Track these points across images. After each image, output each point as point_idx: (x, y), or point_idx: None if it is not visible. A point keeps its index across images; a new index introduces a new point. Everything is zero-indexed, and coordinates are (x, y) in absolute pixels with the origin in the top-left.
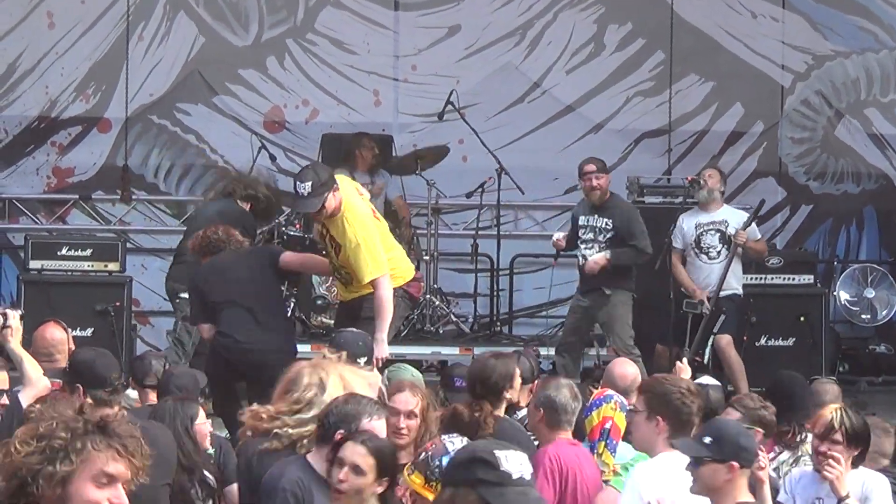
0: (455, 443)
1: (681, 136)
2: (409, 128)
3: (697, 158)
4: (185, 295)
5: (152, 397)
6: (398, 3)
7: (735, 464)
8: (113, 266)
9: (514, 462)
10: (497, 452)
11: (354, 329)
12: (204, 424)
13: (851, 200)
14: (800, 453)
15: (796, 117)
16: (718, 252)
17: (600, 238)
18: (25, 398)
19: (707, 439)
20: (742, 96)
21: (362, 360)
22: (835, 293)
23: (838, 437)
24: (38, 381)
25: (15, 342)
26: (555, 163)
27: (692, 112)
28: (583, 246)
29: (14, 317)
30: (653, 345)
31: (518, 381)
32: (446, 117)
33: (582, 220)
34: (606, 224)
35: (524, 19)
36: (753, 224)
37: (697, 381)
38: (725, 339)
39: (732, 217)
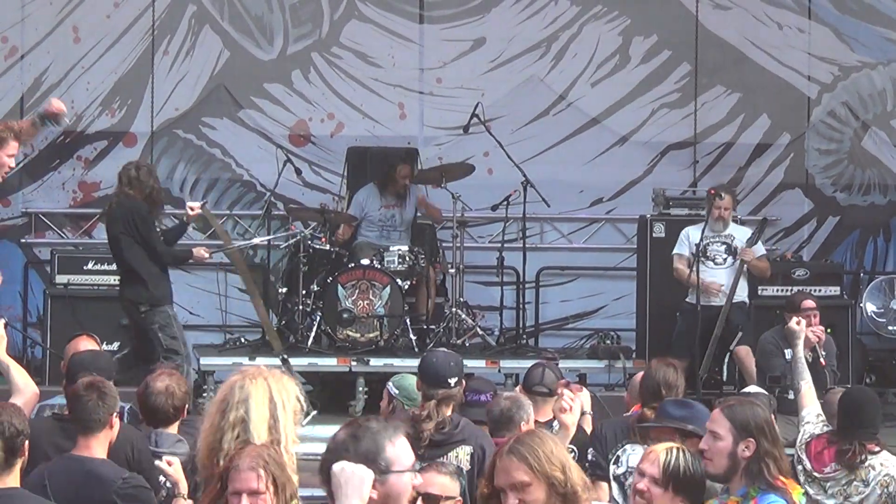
0: None
1: (706, 147)
2: (435, 141)
3: (723, 170)
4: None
5: None
6: (423, 16)
7: None
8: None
9: None
10: None
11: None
12: None
13: (878, 212)
14: (854, 477)
15: (823, 128)
16: (724, 259)
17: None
18: None
19: None
20: (768, 108)
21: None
22: (861, 305)
23: (658, 476)
24: (25, 389)
25: (1, 351)
26: (580, 175)
27: (718, 124)
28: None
29: None
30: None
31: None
32: (471, 130)
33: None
34: None
35: (549, 32)
36: (759, 242)
37: (745, 390)
38: (744, 350)
39: (738, 232)
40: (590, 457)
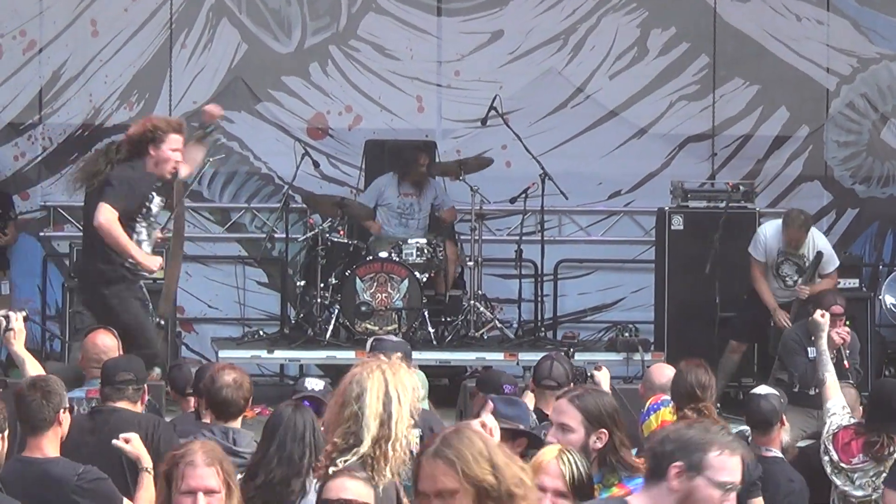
0: None
1: (725, 140)
2: (453, 133)
3: (742, 163)
4: None
5: (192, 404)
6: (441, 9)
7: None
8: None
9: None
10: None
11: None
12: None
13: None
14: (882, 468)
15: (841, 120)
16: (795, 282)
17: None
18: None
19: None
20: (787, 100)
21: None
22: (881, 297)
23: (564, 489)
24: None
25: (18, 344)
26: (598, 168)
27: (736, 116)
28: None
29: (17, 319)
30: (702, 347)
31: None
32: (489, 123)
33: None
34: None
35: (567, 24)
36: (832, 254)
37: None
38: None
39: (813, 244)
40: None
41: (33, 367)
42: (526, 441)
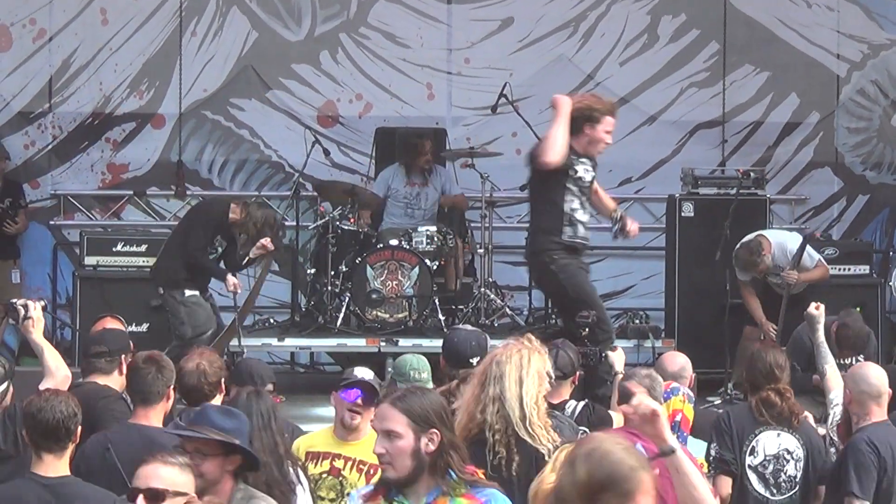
0: None
1: (735, 126)
2: (463, 121)
3: (752, 149)
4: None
5: None
6: None
7: None
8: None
9: None
10: None
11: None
12: None
13: None
14: None
15: (852, 107)
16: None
17: None
18: (47, 386)
19: None
20: (797, 86)
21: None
22: (891, 283)
23: None
24: (57, 372)
25: (37, 333)
26: (609, 155)
27: (747, 103)
28: None
29: (35, 308)
30: (713, 334)
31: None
32: (500, 110)
33: None
34: None
35: (577, 11)
36: (806, 253)
37: None
38: None
39: (781, 256)
40: (713, 452)
41: (52, 356)
42: (240, 459)
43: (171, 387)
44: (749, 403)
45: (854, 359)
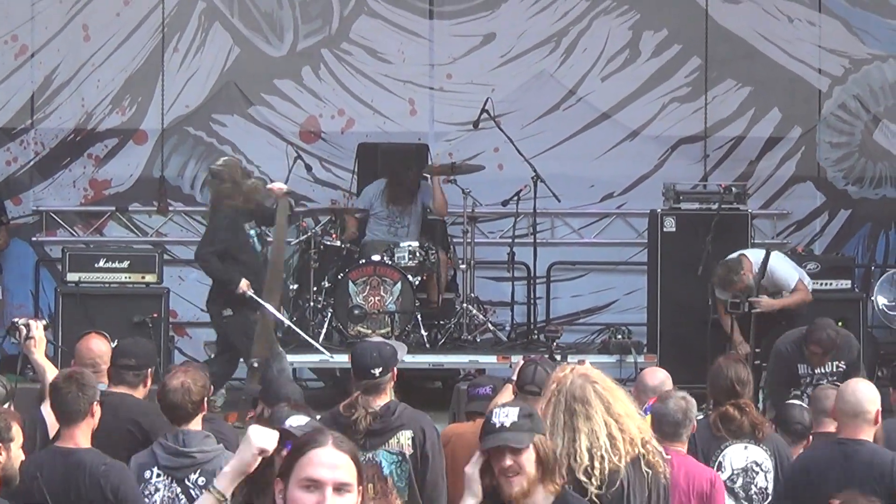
0: None
1: (717, 141)
2: (445, 136)
3: (734, 164)
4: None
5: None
6: (433, 12)
7: None
8: (150, 278)
9: None
10: None
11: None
12: None
13: (890, 204)
14: None
15: (834, 121)
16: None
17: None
18: (48, 410)
19: None
20: (779, 101)
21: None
22: (873, 298)
23: None
24: None
25: (39, 353)
26: (591, 170)
27: (729, 118)
28: None
29: (37, 327)
30: (695, 349)
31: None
32: (482, 125)
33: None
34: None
35: (559, 27)
36: (782, 272)
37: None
38: None
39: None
40: None
41: (53, 376)
42: None
43: (95, 403)
44: (707, 419)
45: (835, 365)
